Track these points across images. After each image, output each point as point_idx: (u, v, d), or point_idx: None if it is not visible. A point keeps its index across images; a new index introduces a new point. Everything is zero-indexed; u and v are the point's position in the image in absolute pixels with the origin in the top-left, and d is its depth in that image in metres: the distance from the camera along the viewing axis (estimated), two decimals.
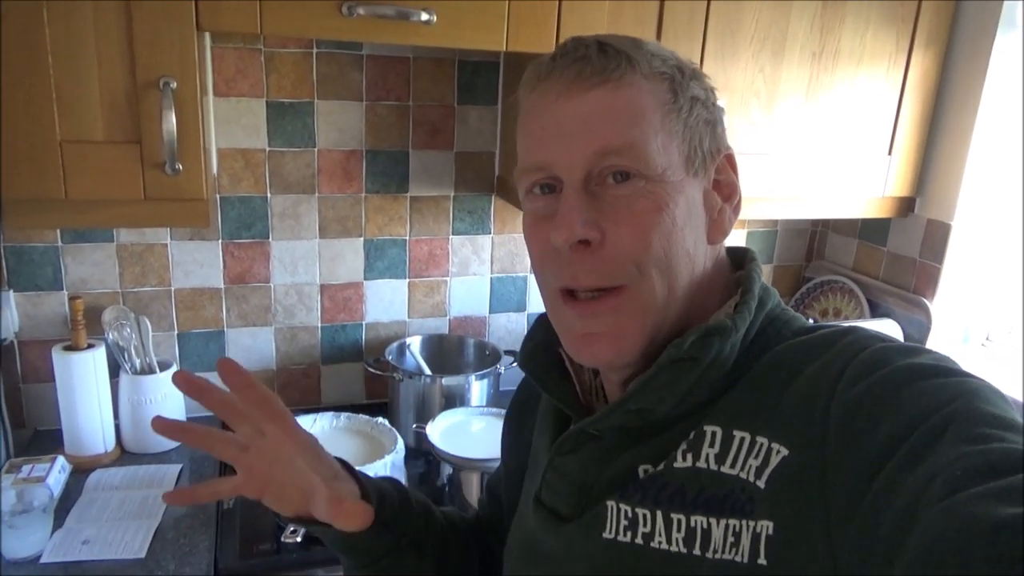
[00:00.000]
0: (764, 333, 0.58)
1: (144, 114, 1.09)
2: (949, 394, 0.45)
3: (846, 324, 0.57)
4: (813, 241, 1.97)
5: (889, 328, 1.61)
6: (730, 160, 0.62)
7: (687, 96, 0.57)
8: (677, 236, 0.56)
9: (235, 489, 0.64)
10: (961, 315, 1.63)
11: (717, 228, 0.60)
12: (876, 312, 1.72)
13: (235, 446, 0.63)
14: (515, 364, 1.64)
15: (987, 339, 1.66)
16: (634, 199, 0.55)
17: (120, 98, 1.08)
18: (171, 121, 1.08)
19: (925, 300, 1.62)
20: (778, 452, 0.50)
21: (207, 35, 1.36)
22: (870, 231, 1.79)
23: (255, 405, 0.65)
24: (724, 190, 0.61)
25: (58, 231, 1.41)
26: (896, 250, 1.72)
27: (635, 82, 0.55)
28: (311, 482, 0.62)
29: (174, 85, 1.08)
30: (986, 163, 1.55)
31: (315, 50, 1.47)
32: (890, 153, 1.56)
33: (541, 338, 0.69)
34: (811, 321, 0.65)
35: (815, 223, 1.95)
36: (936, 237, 1.61)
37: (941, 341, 1.60)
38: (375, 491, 0.68)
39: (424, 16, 1.15)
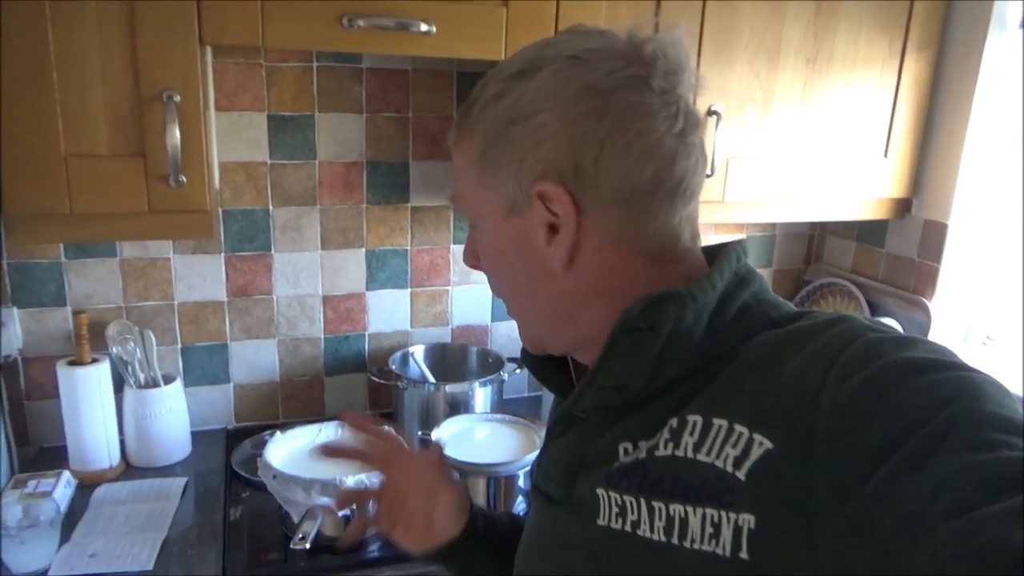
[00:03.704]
0: (749, 312, 0.57)
1: (148, 127, 1.10)
2: (949, 392, 0.43)
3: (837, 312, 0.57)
4: (811, 244, 1.98)
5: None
6: (550, 191, 0.57)
7: (501, 138, 0.58)
8: (511, 272, 0.63)
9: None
10: (961, 314, 1.64)
11: (563, 258, 0.58)
12: (876, 313, 1.72)
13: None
14: (518, 371, 1.65)
15: (988, 338, 1.67)
16: (479, 244, 0.66)
17: (124, 112, 1.09)
18: (175, 134, 1.09)
19: (924, 300, 1.63)
20: (760, 444, 0.48)
21: (208, 51, 1.37)
22: (868, 233, 1.81)
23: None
24: (552, 218, 0.58)
25: (61, 247, 1.42)
26: (894, 251, 1.73)
27: (463, 142, 0.62)
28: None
29: (177, 98, 1.09)
30: (981, 162, 1.56)
31: (315, 64, 1.49)
32: (886, 155, 1.57)
33: None
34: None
35: (813, 226, 1.96)
36: (933, 237, 1.62)
37: (942, 340, 1.60)
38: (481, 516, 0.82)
39: (423, 27, 1.17)
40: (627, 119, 0.55)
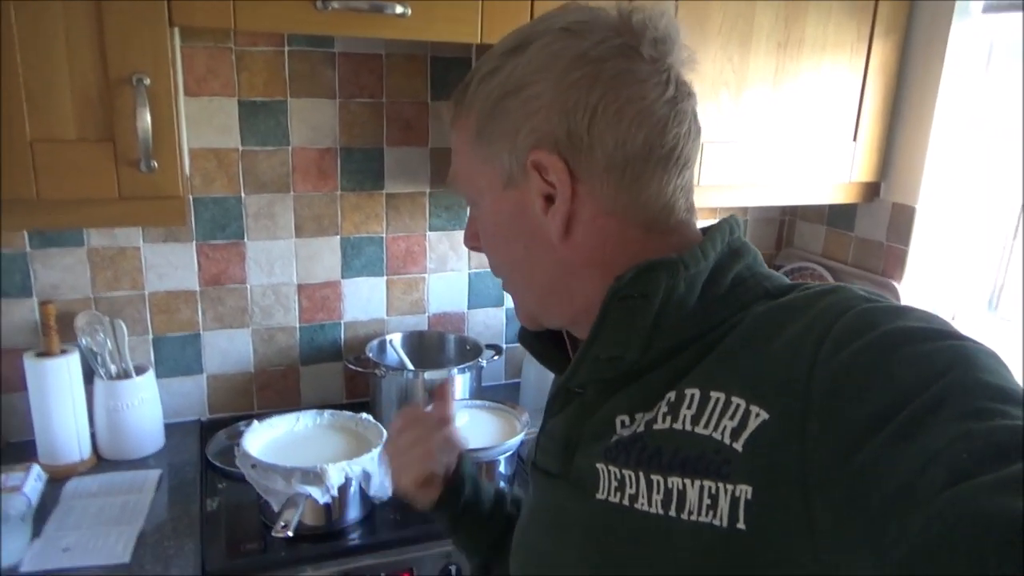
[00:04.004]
0: (743, 284, 0.58)
1: (117, 111, 1.07)
2: (943, 361, 0.43)
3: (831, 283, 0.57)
4: (782, 229, 2.01)
5: None
6: (545, 160, 0.57)
7: (495, 112, 0.59)
8: (508, 245, 0.64)
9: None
10: (929, 295, 1.68)
11: (558, 227, 0.59)
12: None
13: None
14: (496, 357, 1.65)
15: (953, 318, 1.70)
16: (478, 222, 0.66)
17: (92, 96, 1.07)
18: (145, 118, 1.07)
19: (893, 282, 1.66)
20: (757, 415, 0.48)
21: (177, 35, 1.34)
22: (837, 217, 1.84)
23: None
24: (548, 188, 0.58)
25: (26, 236, 1.38)
26: (863, 234, 1.76)
27: (459, 121, 0.64)
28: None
29: (147, 82, 1.07)
30: (947, 146, 1.59)
31: (286, 48, 1.46)
32: (855, 139, 1.60)
33: None
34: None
35: (783, 211, 1.99)
36: (902, 220, 1.66)
37: None
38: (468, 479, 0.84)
39: (399, 9, 1.16)
40: (618, 86, 0.56)
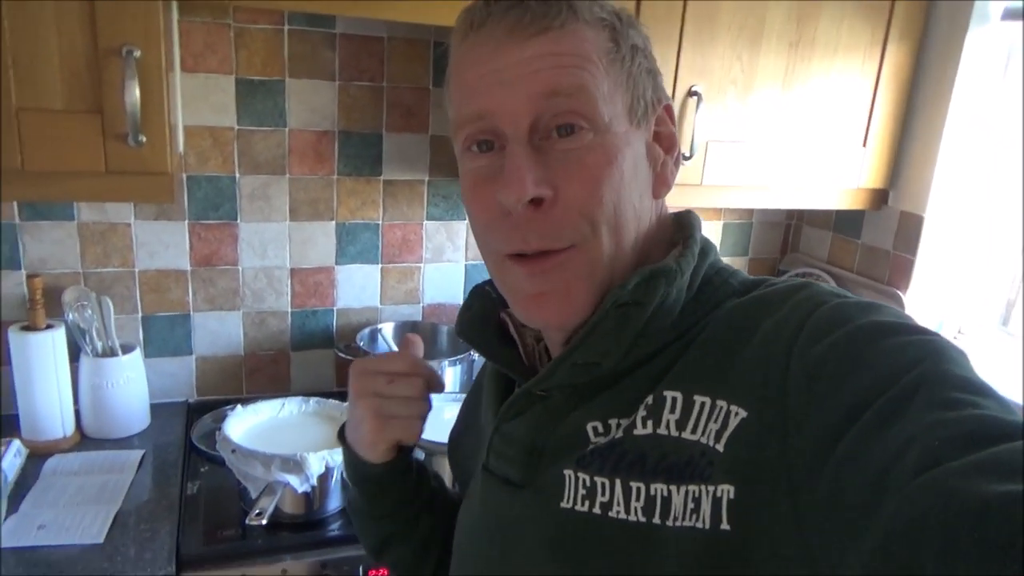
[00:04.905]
0: (710, 283, 0.57)
1: (106, 83, 1.05)
2: (915, 354, 0.43)
3: (798, 280, 0.56)
4: (788, 234, 1.97)
5: None
6: (668, 111, 0.60)
7: (628, 44, 0.56)
8: (625, 190, 0.54)
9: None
10: (935, 306, 1.64)
11: (661, 181, 0.59)
12: None
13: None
14: None
15: (959, 331, 1.67)
16: (584, 153, 0.53)
17: (81, 66, 1.04)
18: (134, 91, 1.04)
19: (899, 292, 1.63)
20: (736, 414, 0.48)
21: (174, 7, 1.32)
22: (844, 223, 1.80)
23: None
24: (664, 142, 0.60)
25: (15, 207, 1.36)
26: (870, 242, 1.73)
27: (577, 29, 0.53)
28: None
29: (137, 54, 1.05)
30: (958, 155, 1.55)
31: (286, 27, 1.44)
32: (864, 145, 1.56)
33: (478, 307, 0.67)
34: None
35: (789, 216, 1.95)
36: (909, 229, 1.62)
37: None
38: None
39: None
40: None
